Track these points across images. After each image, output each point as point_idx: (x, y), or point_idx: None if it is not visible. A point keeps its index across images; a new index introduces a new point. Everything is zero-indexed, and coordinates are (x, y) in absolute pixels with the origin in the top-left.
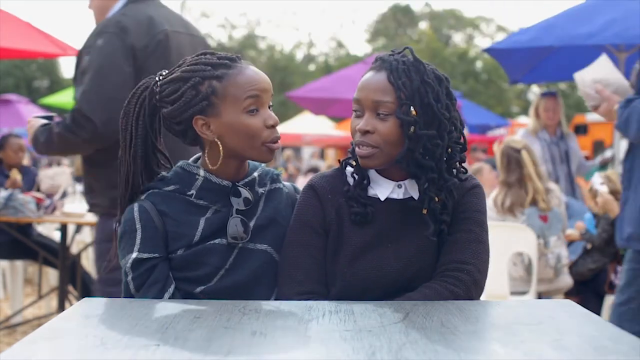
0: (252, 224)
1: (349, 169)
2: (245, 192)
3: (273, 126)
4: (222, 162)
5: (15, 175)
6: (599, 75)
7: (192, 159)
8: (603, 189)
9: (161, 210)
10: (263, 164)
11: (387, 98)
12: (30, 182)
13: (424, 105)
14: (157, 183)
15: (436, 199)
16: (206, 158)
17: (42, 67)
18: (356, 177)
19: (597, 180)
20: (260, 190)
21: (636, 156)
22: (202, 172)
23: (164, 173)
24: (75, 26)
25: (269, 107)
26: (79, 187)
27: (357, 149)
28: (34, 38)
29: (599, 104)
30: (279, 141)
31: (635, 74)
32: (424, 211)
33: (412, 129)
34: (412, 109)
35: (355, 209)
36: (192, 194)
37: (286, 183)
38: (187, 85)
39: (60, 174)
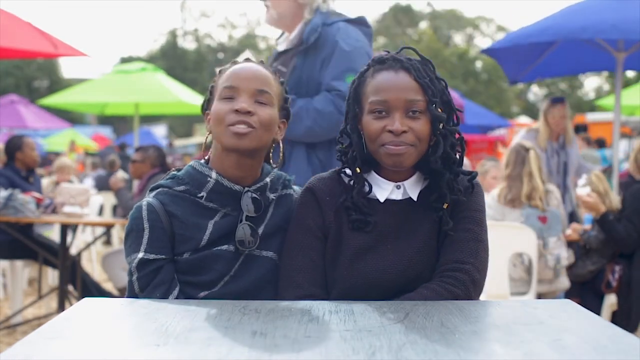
0: (260, 230)
1: (347, 172)
2: (249, 203)
3: (238, 111)
4: (221, 158)
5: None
6: None
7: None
8: (583, 191)
9: (170, 211)
10: (275, 169)
11: (418, 97)
12: (38, 186)
13: (444, 102)
14: (168, 181)
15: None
16: (210, 153)
17: (42, 67)
18: (354, 183)
19: (580, 182)
20: (272, 196)
21: None
22: (214, 175)
23: (175, 171)
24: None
25: (260, 102)
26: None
27: (389, 148)
28: (34, 38)
29: None
30: (244, 125)
31: None
32: (445, 205)
33: (441, 125)
34: (439, 106)
35: (354, 216)
36: (203, 196)
37: (296, 188)
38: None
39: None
